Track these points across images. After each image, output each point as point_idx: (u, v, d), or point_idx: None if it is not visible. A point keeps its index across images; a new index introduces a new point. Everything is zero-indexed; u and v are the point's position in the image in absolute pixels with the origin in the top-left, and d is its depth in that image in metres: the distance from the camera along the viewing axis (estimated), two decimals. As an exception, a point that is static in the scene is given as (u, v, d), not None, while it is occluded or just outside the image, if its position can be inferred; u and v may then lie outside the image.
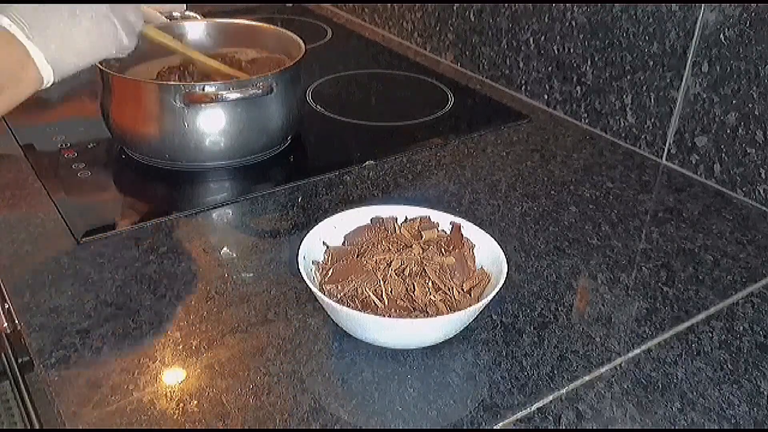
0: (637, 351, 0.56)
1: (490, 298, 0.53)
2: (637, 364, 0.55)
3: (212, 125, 0.75)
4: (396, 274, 0.56)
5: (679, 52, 0.80)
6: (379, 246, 0.59)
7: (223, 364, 0.53)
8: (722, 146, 0.78)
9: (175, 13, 0.91)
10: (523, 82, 1.02)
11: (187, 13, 0.92)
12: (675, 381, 0.53)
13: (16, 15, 0.59)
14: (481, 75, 1.09)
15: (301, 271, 0.55)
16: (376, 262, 0.57)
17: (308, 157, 0.86)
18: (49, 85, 0.63)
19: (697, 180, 0.81)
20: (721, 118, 0.78)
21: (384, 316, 0.53)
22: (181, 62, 0.86)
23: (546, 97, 0.99)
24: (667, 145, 0.84)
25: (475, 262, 0.59)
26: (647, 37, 0.83)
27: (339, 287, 0.55)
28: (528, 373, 0.53)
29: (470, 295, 0.55)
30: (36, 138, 0.84)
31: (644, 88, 0.85)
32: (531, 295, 0.62)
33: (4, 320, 0.69)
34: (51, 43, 0.61)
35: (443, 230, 0.62)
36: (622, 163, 0.85)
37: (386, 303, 0.54)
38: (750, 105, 0.75)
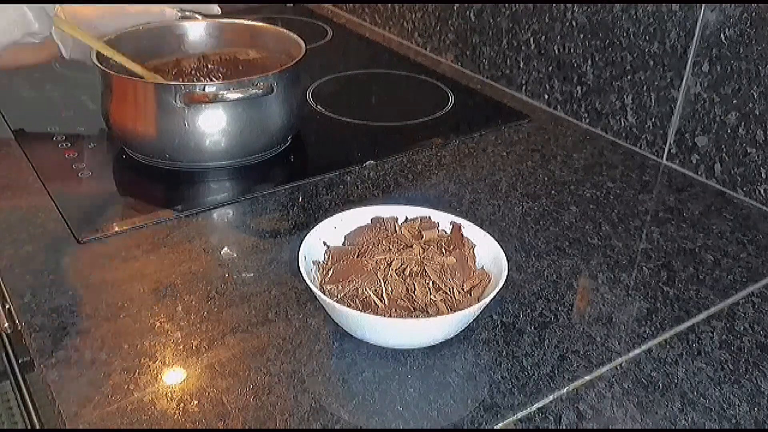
0: (637, 351, 0.56)
1: (490, 298, 0.53)
2: (637, 364, 0.55)
3: (212, 125, 0.75)
4: (396, 274, 0.56)
5: (679, 52, 0.80)
6: (379, 246, 0.59)
7: (224, 364, 0.53)
8: (723, 146, 0.78)
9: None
10: (523, 82, 1.02)
11: (187, 13, 0.92)
12: (675, 381, 0.53)
13: None
14: (482, 75, 1.09)
15: (301, 271, 0.55)
16: (376, 262, 0.57)
17: (308, 157, 0.86)
18: None
19: (697, 180, 0.81)
20: (722, 117, 0.78)
21: (384, 316, 0.53)
22: (176, 59, 0.87)
23: (546, 97, 0.98)
24: (667, 144, 0.84)
25: (475, 262, 0.59)
26: (648, 37, 0.83)
27: (339, 287, 0.55)
28: (528, 373, 0.53)
29: (471, 295, 0.55)
30: (36, 137, 0.84)
31: (645, 87, 0.85)
32: (531, 294, 0.62)
33: (5, 320, 0.69)
34: None
35: (443, 230, 0.62)
36: (622, 163, 0.85)
37: (386, 303, 0.54)
38: (750, 105, 0.75)
